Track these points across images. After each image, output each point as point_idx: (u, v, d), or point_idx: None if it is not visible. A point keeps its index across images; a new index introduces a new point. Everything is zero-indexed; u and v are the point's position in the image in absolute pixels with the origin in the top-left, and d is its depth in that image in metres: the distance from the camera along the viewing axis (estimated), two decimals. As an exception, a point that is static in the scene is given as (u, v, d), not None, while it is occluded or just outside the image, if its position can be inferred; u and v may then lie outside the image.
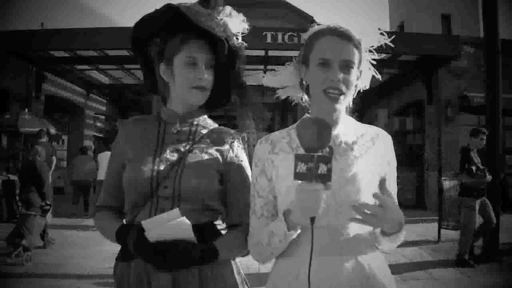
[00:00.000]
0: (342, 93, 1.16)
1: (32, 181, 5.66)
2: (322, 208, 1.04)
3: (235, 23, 1.38)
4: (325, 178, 1.02)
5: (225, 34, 1.33)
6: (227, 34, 1.34)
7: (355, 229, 1.17)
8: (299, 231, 1.12)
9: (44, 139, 8.15)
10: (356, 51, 1.18)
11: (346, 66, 1.16)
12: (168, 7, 1.30)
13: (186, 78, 1.31)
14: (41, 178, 5.65)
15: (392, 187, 1.24)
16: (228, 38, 1.34)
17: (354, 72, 1.19)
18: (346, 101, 1.20)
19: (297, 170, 1.03)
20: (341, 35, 1.17)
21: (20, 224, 5.46)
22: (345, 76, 1.16)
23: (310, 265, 1.08)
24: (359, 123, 1.30)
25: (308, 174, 1.02)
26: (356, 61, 1.19)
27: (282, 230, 1.12)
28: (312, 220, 1.05)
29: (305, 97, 1.33)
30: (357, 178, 1.16)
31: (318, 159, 1.02)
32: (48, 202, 5.64)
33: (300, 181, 1.04)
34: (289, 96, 1.38)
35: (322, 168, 1.01)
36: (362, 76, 1.26)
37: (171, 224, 1.12)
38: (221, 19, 1.34)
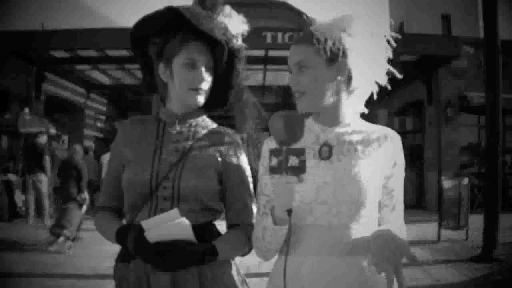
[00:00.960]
0: (302, 93, 1.20)
1: (71, 177, 6.37)
2: (317, 202, 1.04)
3: (235, 24, 1.37)
4: (298, 171, 1.03)
5: (225, 37, 1.32)
6: (227, 36, 1.33)
7: (356, 229, 1.17)
8: (287, 225, 1.12)
9: (42, 140, 8.14)
10: (311, 49, 1.19)
11: (300, 68, 1.21)
12: (168, 8, 1.30)
13: (185, 79, 1.31)
14: (81, 174, 6.40)
15: (397, 188, 1.24)
16: (228, 41, 1.33)
17: (316, 70, 1.19)
18: (315, 99, 1.20)
19: (271, 164, 1.05)
20: (296, 41, 1.24)
21: (61, 217, 6.21)
22: (298, 77, 1.21)
23: (286, 261, 1.09)
24: (366, 123, 1.29)
25: (278, 168, 1.03)
26: (311, 59, 1.19)
27: (270, 225, 1.14)
28: (289, 212, 1.06)
29: None
30: (359, 178, 1.16)
31: (288, 152, 1.02)
32: (83, 196, 6.37)
33: (275, 175, 1.05)
34: (290, 97, 1.38)
35: (293, 161, 1.02)
36: (354, 69, 1.21)
37: (171, 225, 1.13)
38: (221, 21, 1.34)
